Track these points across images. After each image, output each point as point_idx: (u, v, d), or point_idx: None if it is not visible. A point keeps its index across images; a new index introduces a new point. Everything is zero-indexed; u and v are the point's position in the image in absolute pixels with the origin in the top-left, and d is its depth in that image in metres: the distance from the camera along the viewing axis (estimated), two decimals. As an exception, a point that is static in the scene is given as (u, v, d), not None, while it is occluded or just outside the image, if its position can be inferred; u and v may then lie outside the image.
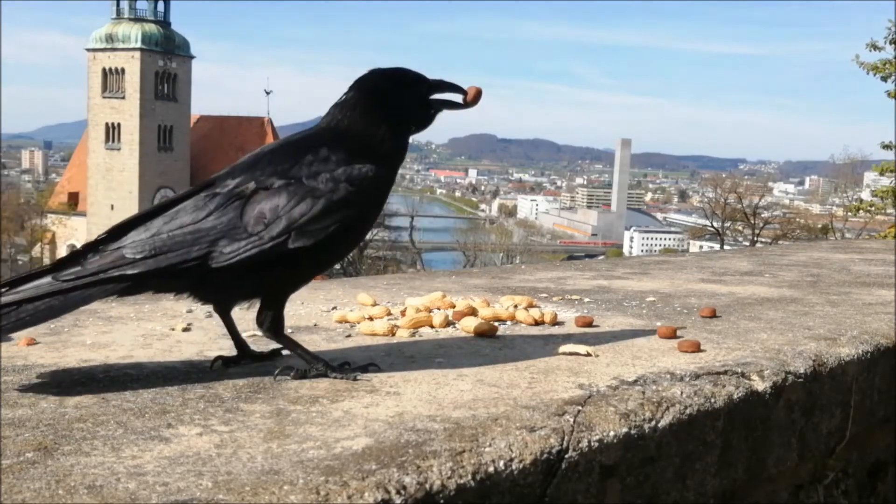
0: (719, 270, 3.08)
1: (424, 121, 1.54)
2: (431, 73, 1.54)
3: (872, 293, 2.56)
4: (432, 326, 1.83)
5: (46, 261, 56.86)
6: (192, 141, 62.98)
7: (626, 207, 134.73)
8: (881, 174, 22.34)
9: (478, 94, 1.55)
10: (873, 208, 22.62)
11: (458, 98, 1.56)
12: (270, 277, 1.41)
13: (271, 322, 1.46)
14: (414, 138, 1.62)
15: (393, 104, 1.49)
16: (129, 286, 1.36)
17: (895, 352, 1.87)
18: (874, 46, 19.71)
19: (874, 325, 1.99)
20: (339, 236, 1.41)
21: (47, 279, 1.32)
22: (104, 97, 60.18)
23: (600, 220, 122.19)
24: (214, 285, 1.41)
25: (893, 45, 19.62)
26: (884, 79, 19.88)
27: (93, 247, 1.37)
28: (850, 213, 26.21)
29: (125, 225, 1.39)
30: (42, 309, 1.30)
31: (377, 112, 1.48)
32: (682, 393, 1.39)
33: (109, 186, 60.23)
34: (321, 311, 2.05)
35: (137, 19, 60.34)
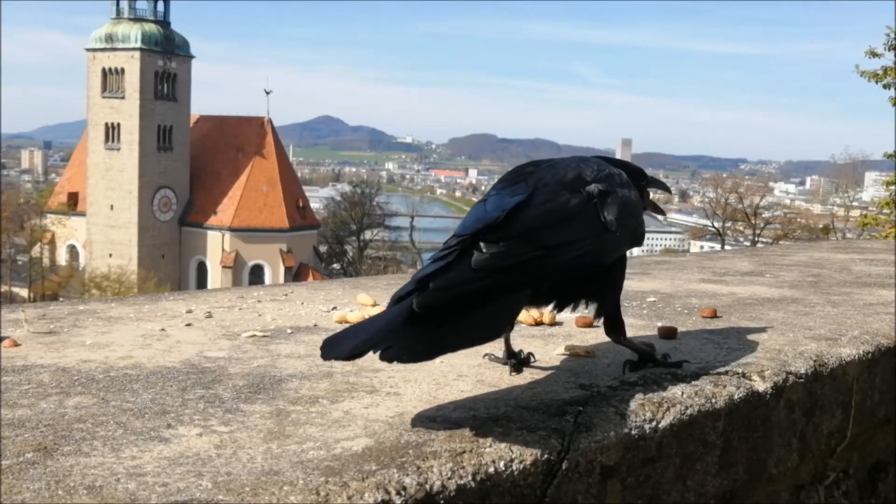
0: (720, 270, 3.07)
1: None
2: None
3: (873, 293, 2.56)
4: (432, 326, 1.83)
5: (46, 261, 56.97)
6: (191, 141, 62.94)
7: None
8: (886, 187, 22.57)
9: None
10: (877, 220, 22.93)
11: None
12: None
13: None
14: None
15: None
16: None
17: (895, 352, 1.87)
18: (873, 53, 19.69)
19: (875, 326, 1.99)
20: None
21: None
22: (104, 97, 60.14)
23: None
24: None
25: (893, 51, 19.59)
26: (886, 87, 19.86)
27: None
28: (858, 227, 26.64)
29: None
30: None
31: None
32: (682, 393, 1.39)
33: (109, 186, 60.20)
34: (321, 311, 2.05)
35: (137, 19, 60.31)
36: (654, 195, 1.78)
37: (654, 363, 1.51)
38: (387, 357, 1.09)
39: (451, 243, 1.22)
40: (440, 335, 1.14)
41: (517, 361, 1.50)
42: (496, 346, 1.63)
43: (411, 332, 1.13)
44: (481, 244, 1.19)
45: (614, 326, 1.49)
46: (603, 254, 1.36)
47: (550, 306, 1.43)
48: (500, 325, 1.22)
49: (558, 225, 1.28)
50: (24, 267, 57.13)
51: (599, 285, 1.41)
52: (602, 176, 1.41)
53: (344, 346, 1.11)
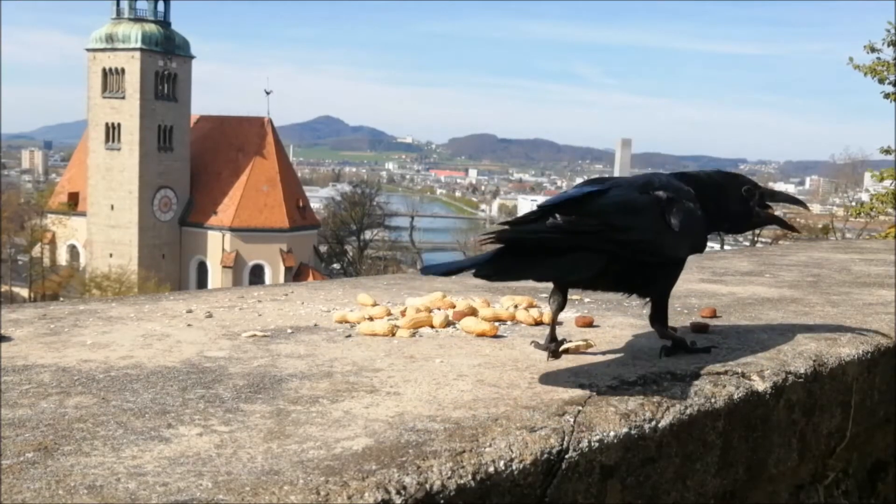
0: (720, 270, 3.08)
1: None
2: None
3: (873, 293, 2.56)
4: (432, 326, 1.83)
5: (46, 261, 56.95)
6: (192, 141, 62.90)
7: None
8: (880, 181, 22.20)
9: None
10: (874, 212, 22.45)
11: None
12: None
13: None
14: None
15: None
16: None
17: (895, 352, 1.87)
18: (872, 48, 19.57)
19: (875, 326, 1.99)
20: None
21: None
22: (104, 97, 60.08)
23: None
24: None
25: (893, 47, 19.46)
26: (881, 81, 19.73)
27: None
28: (851, 216, 26.16)
29: None
30: None
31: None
32: (682, 393, 1.39)
33: (109, 186, 60.16)
34: (321, 311, 2.05)
35: (137, 19, 60.26)
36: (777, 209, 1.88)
37: (685, 350, 1.64)
38: (480, 273, 1.27)
39: (532, 210, 1.40)
40: (526, 265, 1.33)
41: (555, 348, 1.59)
42: (539, 334, 1.65)
43: (500, 261, 1.30)
44: (556, 215, 1.37)
45: (661, 318, 1.64)
46: (661, 247, 1.51)
47: (609, 287, 1.57)
48: (578, 268, 1.39)
49: (626, 212, 1.45)
50: (24, 267, 57.11)
51: (655, 277, 1.57)
52: (671, 188, 1.58)
53: (442, 266, 1.29)
